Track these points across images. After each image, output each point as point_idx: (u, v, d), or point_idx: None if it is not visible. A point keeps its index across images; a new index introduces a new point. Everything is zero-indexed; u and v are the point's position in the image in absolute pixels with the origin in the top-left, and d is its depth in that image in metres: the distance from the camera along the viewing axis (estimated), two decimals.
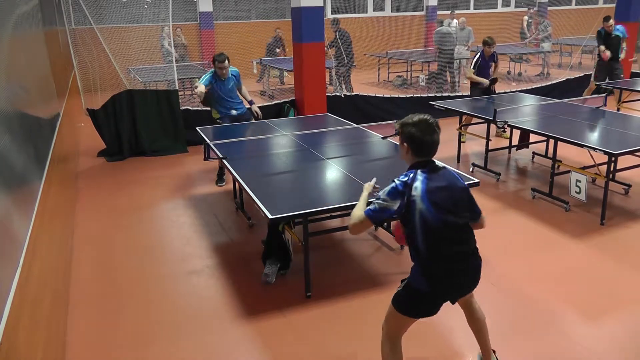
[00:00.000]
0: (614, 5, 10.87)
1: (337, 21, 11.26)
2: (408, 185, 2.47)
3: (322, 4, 7.98)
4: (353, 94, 9.24)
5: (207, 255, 4.57)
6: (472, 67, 7.79)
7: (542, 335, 3.36)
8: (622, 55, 9.10)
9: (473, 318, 2.90)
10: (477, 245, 2.64)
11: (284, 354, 3.27)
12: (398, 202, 2.47)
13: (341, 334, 3.43)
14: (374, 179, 3.14)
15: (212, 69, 6.15)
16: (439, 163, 2.61)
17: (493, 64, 7.88)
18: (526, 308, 3.65)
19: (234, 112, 6.29)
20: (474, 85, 7.85)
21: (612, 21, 8.84)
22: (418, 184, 2.47)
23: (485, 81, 7.61)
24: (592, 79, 9.36)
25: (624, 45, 9.05)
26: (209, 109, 6.48)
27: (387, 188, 2.52)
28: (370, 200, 2.72)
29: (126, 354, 3.31)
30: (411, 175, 2.50)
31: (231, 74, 6.19)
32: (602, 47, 8.82)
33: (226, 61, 6.03)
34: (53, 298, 3.20)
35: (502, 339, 3.33)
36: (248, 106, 6.51)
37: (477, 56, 7.79)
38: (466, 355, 3.21)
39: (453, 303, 2.69)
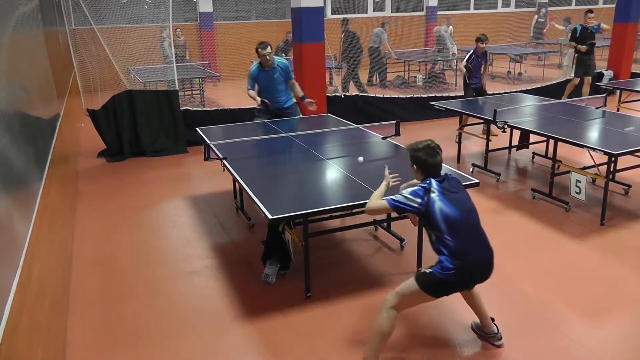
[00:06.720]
0: (613, 5, 10.85)
1: (345, 21, 11.36)
2: (427, 190, 2.91)
3: (322, 4, 7.98)
4: (353, 94, 9.26)
5: (207, 255, 4.57)
6: (465, 60, 8.03)
7: (542, 335, 3.36)
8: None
9: (473, 295, 3.26)
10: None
11: (284, 354, 3.27)
12: (419, 200, 2.89)
13: (341, 334, 3.43)
14: (386, 167, 3.37)
15: (257, 61, 5.97)
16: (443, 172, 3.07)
17: (484, 62, 8.05)
18: (526, 308, 3.66)
19: (274, 105, 6.12)
20: (466, 85, 8.08)
21: (593, 15, 9.35)
22: (435, 188, 2.91)
23: (462, 69, 8.01)
24: (572, 74, 9.93)
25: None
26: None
27: (411, 189, 2.96)
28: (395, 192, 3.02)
29: (126, 354, 3.32)
30: (427, 182, 2.94)
31: (277, 65, 5.97)
32: (573, 43, 9.50)
33: (268, 48, 5.85)
34: (53, 298, 3.20)
35: None
36: (295, 101, 6.28)
37: (471, 52, 7.98)
38: (465, 355, 3.21)
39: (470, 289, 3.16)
